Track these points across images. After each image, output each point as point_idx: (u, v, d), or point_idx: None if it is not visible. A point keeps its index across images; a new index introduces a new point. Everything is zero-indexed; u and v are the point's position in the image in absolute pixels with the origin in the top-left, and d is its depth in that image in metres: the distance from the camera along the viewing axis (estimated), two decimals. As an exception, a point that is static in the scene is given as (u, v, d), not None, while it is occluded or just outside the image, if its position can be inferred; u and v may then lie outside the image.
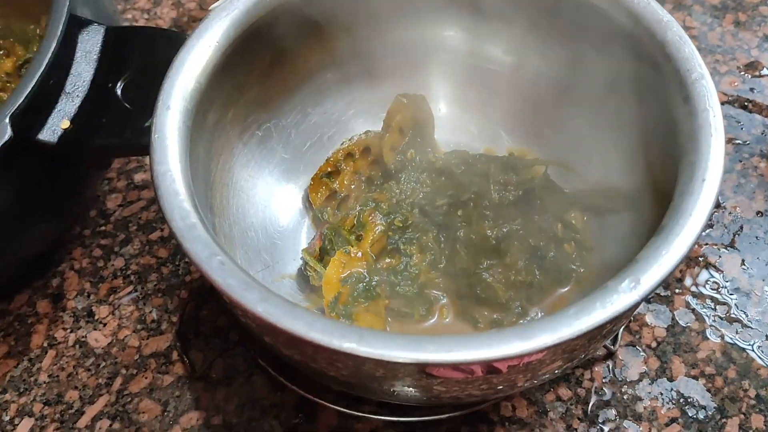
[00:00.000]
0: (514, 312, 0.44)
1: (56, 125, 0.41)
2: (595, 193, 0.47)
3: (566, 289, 0.45)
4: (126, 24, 0.65)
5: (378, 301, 0.44)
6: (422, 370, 0.33)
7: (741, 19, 0.65)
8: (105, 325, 0.51)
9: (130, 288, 0.53)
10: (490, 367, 0.34)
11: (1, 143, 0.37)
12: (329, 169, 0.50)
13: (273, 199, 0.50)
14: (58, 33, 0.40)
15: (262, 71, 0.46)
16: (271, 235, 0.48)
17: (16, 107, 0.38)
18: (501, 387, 0.38)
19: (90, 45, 0.43)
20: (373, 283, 0.44)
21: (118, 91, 0.42)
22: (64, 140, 0.41)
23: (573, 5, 0.44)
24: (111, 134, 0.42)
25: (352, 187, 0.50)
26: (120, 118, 0.42)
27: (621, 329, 0.48)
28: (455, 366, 0.32)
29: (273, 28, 0.44)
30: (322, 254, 0.46)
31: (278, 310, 0.31)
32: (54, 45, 0.40)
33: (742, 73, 0.62)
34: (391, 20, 0.49)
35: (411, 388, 0.36)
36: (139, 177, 0.58)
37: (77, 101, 0.42)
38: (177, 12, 0.68)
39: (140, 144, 0.41)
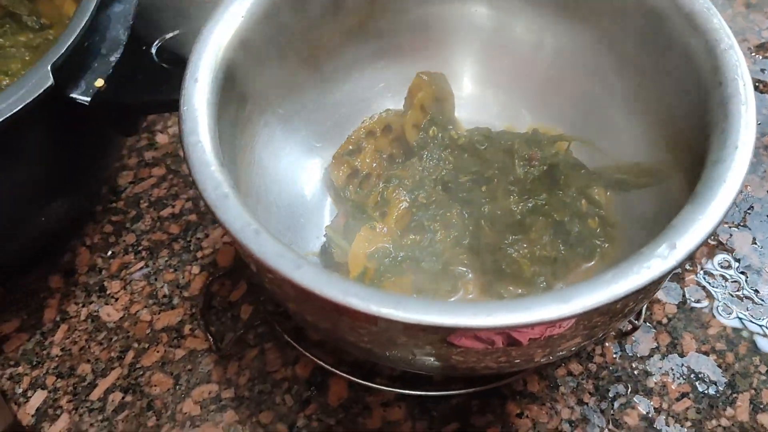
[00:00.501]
0: (538, 287, 0.44)
1: (91, 84, 0.42)
2: (619, 168, 0.47)
3: (591, 263, 0.45)
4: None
5: (404, 277, 0.44)
6: (444, 338, 0.33)
7: (752, 0, 0.65)
8: (117, 299, 0.51)
9: (142, 264, 0.53)
10: (511, 339, 0.34)
11: (43, 89, 0.39)
12: (350, 147, 0.50)
13: (295, 177, 0.50)
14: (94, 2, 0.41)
15: (286, 47, 0.46)
16: (294, 213, 0.48)
17: (57, 58, 0.40)
18: (518, 361, 0.39)
19: (123, 13, 0.44)
20: (399, 258, 0.44)
21: (153, 51, 0.44)
22: (98, 99, 0.42)
23: None
24: (146, 92, 0.43)
25: (374, 165, 0.50)
26: (155, 76, 0.43)
27: (646, 304, 0.48)
28: (486, 331, 0.32)
29: (298, 3, 0.44)
30: (346, 231, 0.46)
31: (314, 276, 0.31)
32: (92, 7, 0.41)
33: (753, 54, 0.62)
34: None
35: (431, 357, 0.36)
36: (149, 155, 0.58)
37: (112, 62, 0.43)
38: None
39: (173, 99, 0.41)
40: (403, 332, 0.34)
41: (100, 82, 0.42)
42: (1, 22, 0.50)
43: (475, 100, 0.52)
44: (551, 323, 0.31)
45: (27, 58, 0.50)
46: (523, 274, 0.43)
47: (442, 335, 0.33)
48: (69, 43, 0.40)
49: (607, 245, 0.45)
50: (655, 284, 0.33)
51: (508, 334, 0.34)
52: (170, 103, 0.42)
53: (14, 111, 0.38)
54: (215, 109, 0.39)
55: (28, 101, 0.38)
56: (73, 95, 0.42)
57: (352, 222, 0.47)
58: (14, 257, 0.51)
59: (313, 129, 0.51)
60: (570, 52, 0.50)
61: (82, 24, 0.41)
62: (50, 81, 0.39)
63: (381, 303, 0.31)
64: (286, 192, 0.49)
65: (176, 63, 0.42)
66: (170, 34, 0.44)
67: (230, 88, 0.41)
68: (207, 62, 0.40)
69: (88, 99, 0.42)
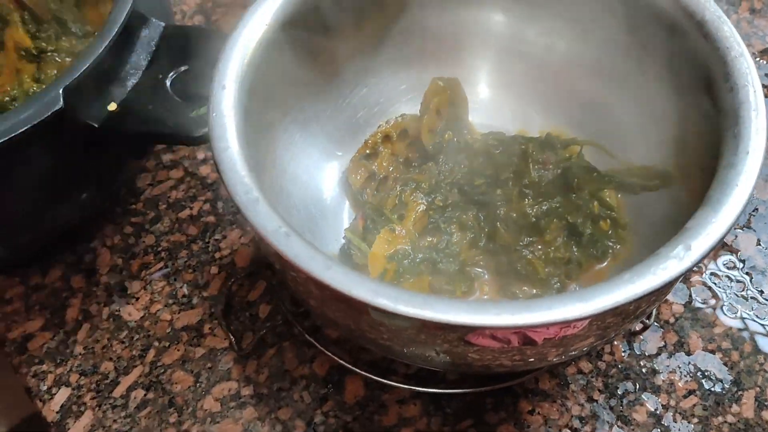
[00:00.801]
0: (553, 287, 0.45)
1: (104, 107, 0.43)
2: (630, 171, 0.48)
3: (603, 265, 0.47)
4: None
5: (422, 278, 0.45)
6: (462, 337, 0.35)
7: (756, 6, 0.67)
8: (137, 299, 0.53)
9: (161, 264, 0.54)
10: (526, 338, 0.35)
11: (52, 111, 0.39)
12: (368, 151, 0.51)
13: (314, 180, 0.51)
14: (119, 23, 0.42)
15: (308, 53, 0.47)
16: (313, 215, 0.49)
17: (70, 82, 0.40)
18: (531, 360, 0.40)
19: (148, 39, 0.45)
20: (417, 259, 0.46)
21: (168, 83, 0.44)
22: (108, 123, 0.43)
23: None
24: (156, 122, 0.44)
25: (391, 168, 0.51)
26: (167, 107, 0.44)
27: (658, 304, 0.50)
28: (508, 330, 0.33)
29: (319, 10, 0.46)
30: (364, 233, 0.47)
31: (344, 277, 0.33)
32: (113, 34, 0.42)
33: (758, 59, 0.63)
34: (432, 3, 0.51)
35: (447, 355, 0.38)
36: (167, 157, 0.60)
37: (128, 88, 0.44)
38: (201, -3, 0.70)
39: (180, 134, 0.43)
40: (423, 330, 0.36)
41: (113, 106, 0.43)
42: (46, 27, 0.52)
43: (488, 104, 0.53)
44: (570, 323, 0.33)
45: (67, 64, 0.52)
46: (538, 275, 0.45)
47: (460, 334, 0.35)
48: (86, 67, 0.41)
49: (618, 247, 0.47)
50: (670, 285, 0.34)
51: (524, 333, 0.35)
52: (174, 137, 0.44)
53: (18, 132, 0.39)
54: (242, 114, 0.40)
55: (34, 122, 0.39)
56: (85, 117, 0.43)
57: (371, 224, 0.48)
58: (32, 255, 0.53)
59: (332, 133, 0.52)
60: (581, 57, 0.51)
61: (103, 47, 0.42)
62: (60, 105, 0.40)
63: (409, 303, 0.32)
64: (306, 195, 0.50)
65: (187, 96, 0.44)
66: (184, 67, 0.44)
67: (254, 94, 0.42)
68: (233, 69, 0.41)
69: (99, 122, 0.43)
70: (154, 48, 0.45)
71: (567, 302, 0.33)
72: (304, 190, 0.50)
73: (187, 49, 0.45)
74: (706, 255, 0.34)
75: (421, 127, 0.50)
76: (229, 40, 0.42)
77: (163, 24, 0.46)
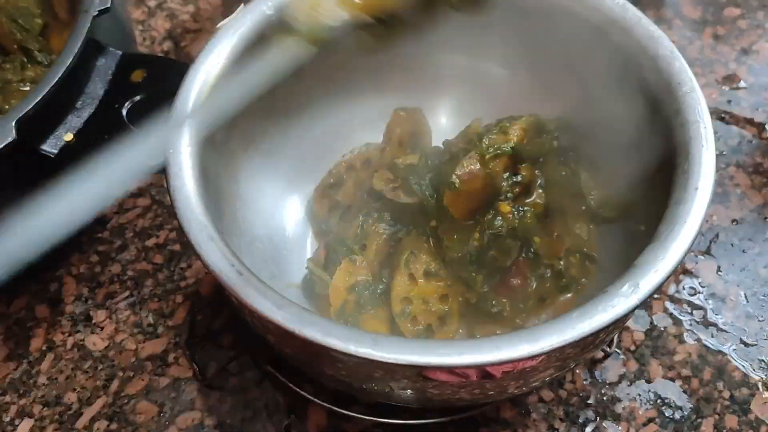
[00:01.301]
0: (515, 324, 0.46)
1: (60, 137, 0.43)
2: (595, 201, 0.49)
3: (567, 296, 0.47)
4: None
5: (382, 309, 0.46)
6: (420, 373, 0.35)
7: (720, 32, 0.68)
8: (102, 329, 0.53)
9: (127, 293, 0.54)
10: (485, 372, 0.36)
11: (2, 145, 0.39)
12: (332, 181, 0.52)
13: (278, 210, 0.51)
14: (74, 53, 0.42)
15: (267, 85, 0.47)
16: (276, 245, 0.50)
17: (23, 114, 0.40)
18: (492, 392, 0.41)
19: (104, 68, 0.45)
20: (378, 291, 0.46)
21: (124, 112, 0.44)
22: (64, 152, 0.43)
23: (565, 20, 0.46)
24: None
25: (355, 198, 0.52)
26: (122, 137, 0.44)
27: (617, 334, 0.50)
28: (459, 368, 0.33)
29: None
30: (327, 263, 0.48)
31: (295, 317, 0.33)
32: (68, 64, 0.42)
33: (721, 85, 0.64)
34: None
35: (407, 390, 0.38)
36: (134, 185, 0.60)
37: (84, 117, 0.44)
38: (171, 23, 0.70)
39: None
40: (380, 368, 0.36)
41: (69, 136, 0.43)
42: (12, 57, 0.52)
43: (453, 132, 0.53)
44: (520, 361, 0.33)
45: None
46: (504, 315, 0.46)
47: (417, 370, 0.35)
48: (39, 97, 0.41)
49: (584, 280, 0.47)
50: (620, 321, 0.35)
51: (482, 368, 0.35)
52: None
53: None
54: (200, 148, 0.40)
55: None
56: (40, 147, 0.42)
57: (333, 254, 0.48)
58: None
59: (295, 163, 0.53)
60: (540, 87, 0.52)
61: (57, 77, 0.42)
62: (12, 137, 0.40)
63: (359, 343, 0.33)
64: (269, 225, 0.50)
65: (143, 126, 0.44)
66: (138, 96, 0.44)
67: (211, 130, 0.43)
68: (189, 106, 0.41)
69: (55, 152, 0.43)
70: (110, 77, 0.45)
71: (517, 342, 0.33)
72: (267, 220, 0.50)
73: (145, 78, 0.45)
74: (653, 292, 0.35)
75: (383, 161, 0.51)
76: (186, 76, 0.42)
77: (120, 52, 0.45)
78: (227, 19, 0.45)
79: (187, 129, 0.40)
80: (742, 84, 0.65)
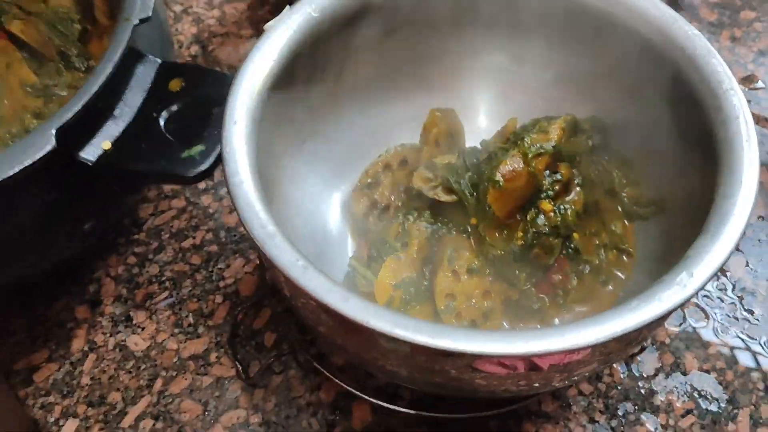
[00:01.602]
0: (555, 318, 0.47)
1: (98, 145, 0.43)
2: (628, 200, 0.50)
3: (607, 290, 0.48)
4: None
5: (427, 303, 0.46)
6: (469, 364, 0.36)
7: (737, 35, 0.69)
8: (143, 329, 0.53)
9: (166, 294, 0.55)
10: (533, 364, 0.36)
11: (43, 153, 0.39)
12: (369, 181, 0.53)
13: (318, 210, 0.52)
14: (115, 62, 0.42)
15: (313, 85, 0.48)
16: (318, 244, 0.50)
17: (63, 123, 0.40)
18: (536, 384, 0.41)
19: (143, 76, 0.45)
20: (423, 287, 0.47)
21: (161, 122, 0.44)
22: (102, 160, 0.43)
23: (606, 23, 0.47)
24: (147, 161, 0.43)
25: (392, 197, 0.52)
26: (159, 146, 0.44)
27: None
28: (516, 357, 0.34)
29: (321, 46, 0.47)
30: (369, 261, 0.48)
31: (362, 309, 0.34)
32: (108, 72, 0.42)
33: (740, 86, 0.65)
34: (434, 38, 0.52)
35: (454, 380, 0.39)
36: (168, 187, 0.60)
37: (122, 126, 0.44)
38: (197, 28, 0.71)
39: (173, 174, 0.43)
40: (433, 357, 0.37)
41: (107, 144, 0.43)
42: (48, 62, 0.52)
43: (487, 134, 0.54)
44: (580, 350, 0.34)
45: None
46: (547, 311, 0.47)
47: (468, 360, 0.36)
48: (79, 107, 0.41)
49: (623, 275, 0.48)
50: (675, 310, 0.36)
51: (530, 359, 0.36)
52: (166, 177, 0.44)
53: (11, 173, 0.39)
54: (252, 148, 0.41)
55: (27, 164, 0.39)
56: (78, 154, 0.42)
57: (375, 253, 0.49)
58: (36, 287, 0.53)
59: (334, 163, 0.53)
60: (582, 85, 0.53)
61: (97, 86, 0.41)
62: (52, 145, 0.39)
63: (425, 332, 0.33)
64: (310, 224, 0.51)
65: (180, 136, 0.44)
66: (176, 106, 0.44)
67: (262, 129, 0.43)
68: (243, 104, 0.42)
69: (93, 160, 0.43)
70: (149, 85, 0.45)
71: (576, 330, 0.34)
72: (309, 221, 0.51)
73: (183, 87, 0.45)
74: (707, 281, 0.36)
75: (421, 159, 0.52)
76: (238, 75, 0.43)
77: (159, 61, 0.46)
78: (273, 21, 0.46)
79: (240, 128, 0.41)
80: (760, 84, 0.66)
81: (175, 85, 0.46)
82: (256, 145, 0.42)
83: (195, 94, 0.46)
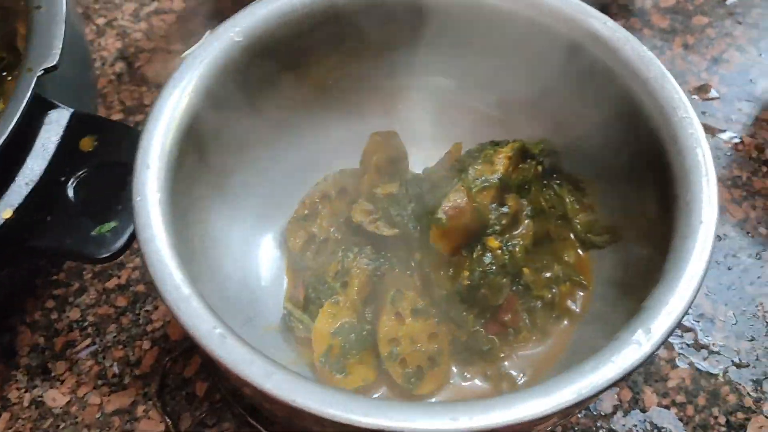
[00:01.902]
0: (502, 365, 0.44)
1: None
2: (581, 227, 0.47)
3: (564, 325, 0.45)
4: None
5: (369, 351, 0.43)
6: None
7: (689, 42, 0.67)
8: (62, 382, 0.49)
9: (88, 341, 0.50)
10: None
11: None
12: (306, 212, 0.49)
13: (250, 247, 0.48)
14: (15, 117, 0.37)
15: (237, 115, 0.44)
16: (250, 286, 0.46)
17: None
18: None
19: (51, 131, 0.40)
20: (364, 333, 0.43)
21: (70, 190, 0.39)
22: (4, 230, 0.38)
23: (553, 43, 0.44)
24: (51, 237, 0.38)
25: (332, 229, 0.49)
26: (66, 219, 0.39)
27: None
28: None
29: (247, 71, 0.43)
30: (306, 303, 0.45)
31: (287, 386, 0.30)
32: (8, 129, 0.37)
33: (694, 96, 0.63)
34: (368, 60, 0.49)
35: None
36: (90, 220, 0.56)
37: (24, 192, 0.38)
38: (122, 43, 0.65)
39: (80, 254, 0.38)
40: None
41: (8, 213, 0.38)
42: None
43: (432, 157, 0.50)
44: (534, 422, 0.31)
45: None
46: (498, 353, 0.43)
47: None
48: None
49: (579, 308, 0.45)
50: (635, 371, 0.33)
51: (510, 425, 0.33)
52: (72, 256, 0.39)
53: None
54: (169, 193, 0.37)
55: None
56: None
57: (312, 293, 0.45)
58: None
59: (266, 195, 0.49)
60: (530, 107, 0.50)
61: None
62: None
63: (360, 411, 0.30)
64: (241, 263, 0.47)
65: (91, 207, 0.39)
66: (86, 170, 0.39)
67: (181, 169, 0.39)
68: (158, 145, 0.38)
69: None
70: (58, 143, 0.39)
71: (528, 398, 0.31)
72: (239, 259, 0.47)
73: (96, 147, 0.40)
74: (667, 337, 0.33)
75: (361, 189, 0.48)
76: (152, 112, 0.39)
77: (71, 111, 0.40)
78: (193, 48, 0.41)
79: (153, 173, 0.37)
80: (714, 94, 0.64)
81: (87, 144, 0.41)
82: (172, 189, 0.38)
83: (110, 156, 0.41)
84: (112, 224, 0.38)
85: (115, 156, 0.40)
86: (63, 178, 0.39)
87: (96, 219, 0.38)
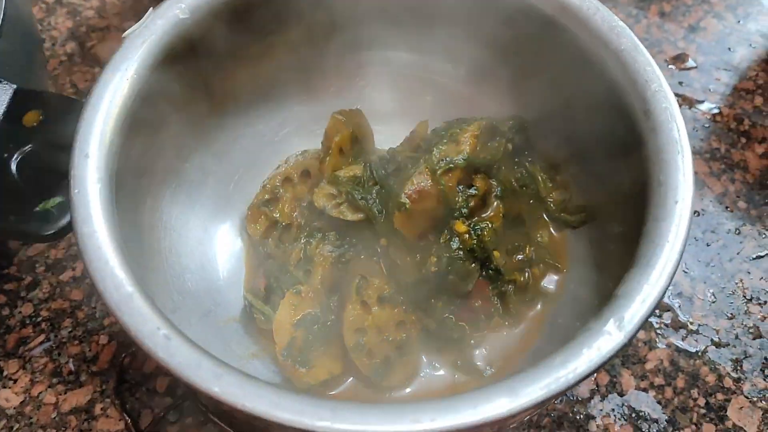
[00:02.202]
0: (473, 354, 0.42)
1: None
2: (556, 206, 0.45)
3: (536, 310, 0.44)
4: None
5: (334, 342, 0.41)
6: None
7: (666, 9, 0.65)
8: (15, 381, 0.46)
9: (42, 337, 0.48)
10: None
11: None
12: (267, 197, 0.46)
13: (208, 235, 0.46)
14: None
15: (187, 97, 0.41)
16: (209, 276, 0.44)
17: None
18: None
19: None
20: (328, 324, 0.41)
21: (13, 165, 0.37)
22: None
23: (520, 13, 0.42)
24: None
25: (294, 214, 0.46)
26: (9, 196, 0.37)
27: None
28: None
29: (195, 51, 0.40)
30: (267, 293, 0.43)
31: (237, 389, 0.28)
32: None
33: (671, 66, 0.61)
34: (327, 36, 0.46)
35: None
36: (43, 209, 0.53)
37: None
38: (73, 21, 0.62)
39: (24, 231, 0.36)
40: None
41: None
42: None
43: (397, 135, 0.48)
44: (500, 421, 0.29)
45: None
46: (468, 340, 0.42)
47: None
48: None
49: (553, 289, 0.44)
50: (608, 363, 0.31)
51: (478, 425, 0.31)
52: (18, 234, 0.37)
53: None
54: (111, 182, 0.35)
55: None
56: None
57: (274, 283, 0.43)
58: None
59: (225, 179, 0.47)
60: (498, 81, 0.47)
61: None
62: None
63: (314, 415, 0.28)
64: (199, 253, 0.45)
65: (36, 183, 0.37)
66: (30, 146, 0.37)
67: (126, 155, 0.37)
68: (98, 132, 0.35)
69: None
70: (0, 117, 0.37)
71: (494, 397, 0.29)
72: (197, 249, 0.45)
73: (41, 122, 0.38)
74: (641, 326, 0.31)
75: (324, 171, 0.45)
76: (90, 97, 0.36)
77: (13, 87, 0.38)
78: (134, 27, 0.39)
79: (94, 160, 0.34)
80: (691, 63, 0.62)
81: (31, 118, 0.39)
82: (117, 178, 0.35)
83: (55, 131, 0.39)
84: (58, 199, 0.37)
85: (61, 130, 0.38)
86: (5, 155, 0.37)
87: (41, 195, 0.36)
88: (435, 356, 0.43)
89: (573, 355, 0.30)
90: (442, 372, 0.42)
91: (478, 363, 0.42)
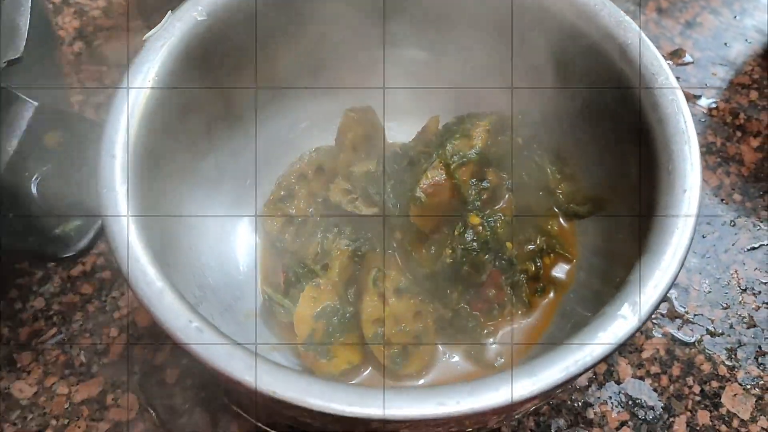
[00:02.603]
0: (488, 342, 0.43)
1: None
2: (565, 197, 0.47)
3: (548, 298, 0.45)
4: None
5: (353, 333, 0.42)
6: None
7: (663, 5, 0.66)
8: (29, 373, 0.47)
9: (54, 330, 0.49)
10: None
11: None
12: (282, 193, 0.47)
13: (226, 231, 0.46)
14: None
15: (205, 98, 0.42)
16: (228, 272, 0.45)
17: None
18: (470, 430, 0.38)
19: (15, 125, 0.38)
20: (347, 315, 0.42)
21: (33, 186, 0.37)
22: None
23: (528, 9, 0.43)
24: (13, 234, 0.37)
25: (310, 210, 0.47)
26: (28, 218, 0.37)
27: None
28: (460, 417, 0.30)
29: (212, 52, 0.41)
30: (286, 287, 0.44)
31: (271, 378, 0.30)
32: None
33: (668, 62, 0.62)
34: (340, 34, 0.47)
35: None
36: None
37: None
38: (80, 21, 0.63)
39: (43, 254, 0.37)
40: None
41: None
42: None
43: (409, 132, 0.49)
44: (522, 402, 0.30)
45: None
46: (478, 332, 0.43)
47: (395, 427, 0.32)
48: None
49: (565, 278, 0.45)
50: (622, 347, 0.32)
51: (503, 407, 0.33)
52: (33, 255, 0.38)
53: None
54: (138, 183, 0.36)
55: None
56: None
57: (293, 277, 0.44)
58: None
59: (241, 177, 0.48)
60: (506, 77, 0.48)
61: None
62: None
63: (343, 400, 0.29)
64: (218, 249, 0.45)
65: (53, 204, 0.37)
66: (50, 166, 0.37)
67: (148, 154, 0.38)
68: (123, 133, 0.36)
69: None
70: (20, 138, 0.37)
71: (516, 380, 0.30)
72: (216, 245, 0.45)
73: (61, 144, 0.38)
74: (654, 310, 0.32)
75: (337, 168, 0.47)
76: (115, 99, 0.37)
77: (35, 104, 0.38)
78: (154, 30, 0.40)
79: (120, 161, 0.35)
80: (688, 58, 0.63)
81: (51, 139, 0.39)
82: (140, 178, 0.36)
83: (75, 152, 0.39)
84: (77, 222, 0.37)
85: (81, 151, 0.38)
86: (26, 173, 0.38)
87: (59, 217, 0.36)
88: (451, 345, 0.44)
89: (590, 338, 0.31)
90: (456, 359, 0.44)
91: (490, 353, 0.44)
